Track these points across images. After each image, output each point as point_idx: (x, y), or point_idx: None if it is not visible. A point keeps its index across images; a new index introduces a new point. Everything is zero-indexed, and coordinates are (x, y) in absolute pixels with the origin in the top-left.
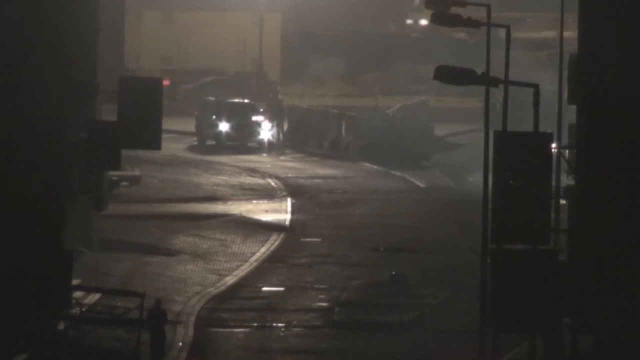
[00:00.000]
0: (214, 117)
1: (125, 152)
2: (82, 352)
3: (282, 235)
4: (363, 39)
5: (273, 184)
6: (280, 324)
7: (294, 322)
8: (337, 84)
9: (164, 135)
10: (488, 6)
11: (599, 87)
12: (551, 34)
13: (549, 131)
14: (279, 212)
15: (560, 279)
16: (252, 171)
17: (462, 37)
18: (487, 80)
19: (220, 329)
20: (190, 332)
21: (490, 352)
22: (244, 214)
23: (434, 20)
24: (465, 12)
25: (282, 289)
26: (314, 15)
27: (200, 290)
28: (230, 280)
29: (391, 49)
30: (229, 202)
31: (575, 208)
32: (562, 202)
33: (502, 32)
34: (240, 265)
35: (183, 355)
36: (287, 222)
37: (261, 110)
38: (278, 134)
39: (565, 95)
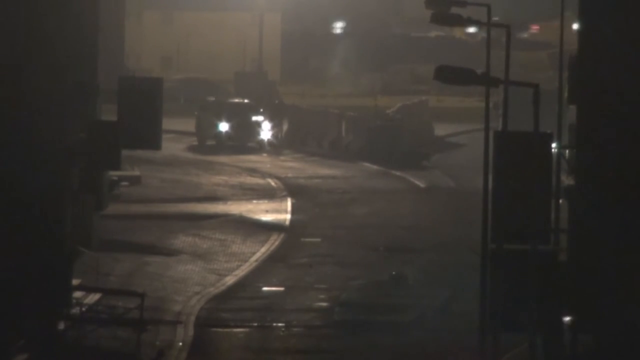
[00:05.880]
0: (214, 117)
1: (125, 152)
2: (82, 352)
3: (282, 235)
4: (363, 38)
5: (273, 184)
6: (280, 324)
7: (294, 322)
8: (337, 84)
9: (164, 135)
10: (488, 6)
11: (599, 87)
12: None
13: (548, 131)
14: (279, 212)
15: (560, 279)
16: (252, 171)
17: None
18: (487, 80)
19: (220, 329)
20: (190, 332)
21: (490, 352)
22: (244, 214)
23: (433, 20)
24: (465, 12)
25: (282, 289)
26: (314, 15)
27: (200, 290)
28: (230, 280)
29: (391, 49)
30: (229, 202)
31: (575, 208)
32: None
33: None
34: (240, 265)
35: (183, 355)
36: (287, 222)
37: (261, 110)
38: (277, 133)
39: (565, 95)
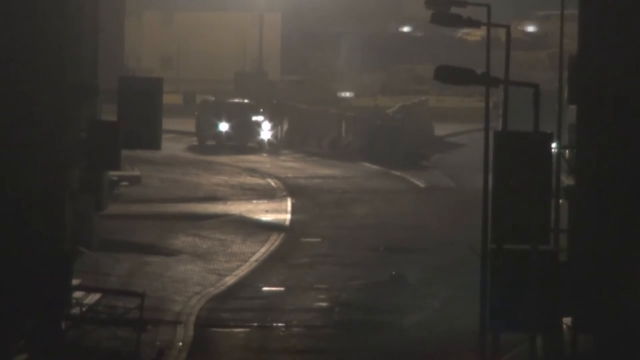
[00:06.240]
0: (214, 117)
1: (125, 152)
2: (82, 352)
3: (282, 235)
4: (363, 38)
5: (273, 184)
6: (280, 324)
7: (294, 322)
8: (337, 84)
9: (164, 135)
10: (488, 6)
11: (599, 87)
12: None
13: (548, 131)
14: (279, 212)
15: (560, 279)
16: (252, 171)
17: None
18: (487, 80)
19: (220, 329)
20: (190, 332)
21: (490, 352)
22: (244, 214)
23: (433, 20)
24: (465, 12)
25: (282, 289)
26: (314, 15)
27: (200, 290)
28: (230, 280)
29: (391, 49)
30: (229, 202)
31: (575, 208)
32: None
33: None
34: (240, 265)
35: (183, 355)
36: (287, 222)
37: (261, 110)
38: (277, 133)
39: (565, 95)
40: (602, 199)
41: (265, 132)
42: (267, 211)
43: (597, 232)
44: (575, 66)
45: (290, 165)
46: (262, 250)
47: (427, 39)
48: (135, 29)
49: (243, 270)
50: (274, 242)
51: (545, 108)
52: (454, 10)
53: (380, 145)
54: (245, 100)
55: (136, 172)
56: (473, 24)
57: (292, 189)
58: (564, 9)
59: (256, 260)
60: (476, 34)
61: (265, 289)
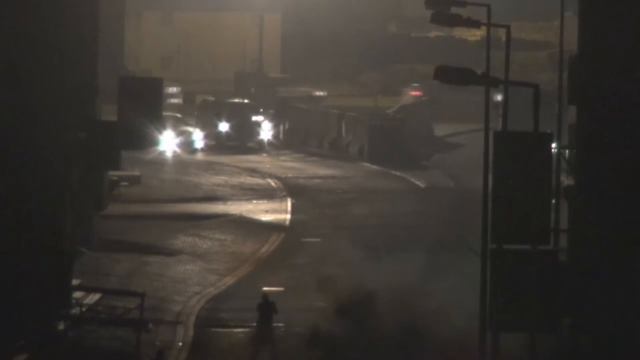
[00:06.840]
0: (214, 117)
1: (125, 152)
2: (82, 352)
3: (282, 236)
4: (363, 39)
5: (273, 184)
6: (280, 324)
7: (294, 322)
8: (337, 84)
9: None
10: (488, 6)
11: (599, 87)
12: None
13: (548, 131)
14: (279, 212)
15: (560, 279)
16: (252, 171)
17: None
18: (487, 80)
19: (220, 329)
20: (190, 332)
21: (490, 352)
22: (244, 214)
23: (433, 20)
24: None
25: (282, 289)
26: (314, 16)
27: (200, 290)
28: (230, 280)
29: (391, 49)
30: (229, 202)
31: (575, 208)
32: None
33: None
34: (240, 265)
35: (183, 355)
36: (287, 222)
37: (261, 110)
38: (278, 133)
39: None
40: (602, 199)
41: (265, 132)
42: (267, 211)
43: (597, 232)
44: (575, 66)
45: (290, 165)
46: (262, 250)
47: (427, 39)
48: (135, 29)
49: (243, 270)
50: (274, 242)
51: (545, 108)
52: (454, 10)
53: (380, 145)
54: (245, 100)
55: (136, 172)
56: (473, 24)
57: (292, 189)
58: (563, 9)
59: (256, 260)
60: (476, 34)
61: (265, 289)
